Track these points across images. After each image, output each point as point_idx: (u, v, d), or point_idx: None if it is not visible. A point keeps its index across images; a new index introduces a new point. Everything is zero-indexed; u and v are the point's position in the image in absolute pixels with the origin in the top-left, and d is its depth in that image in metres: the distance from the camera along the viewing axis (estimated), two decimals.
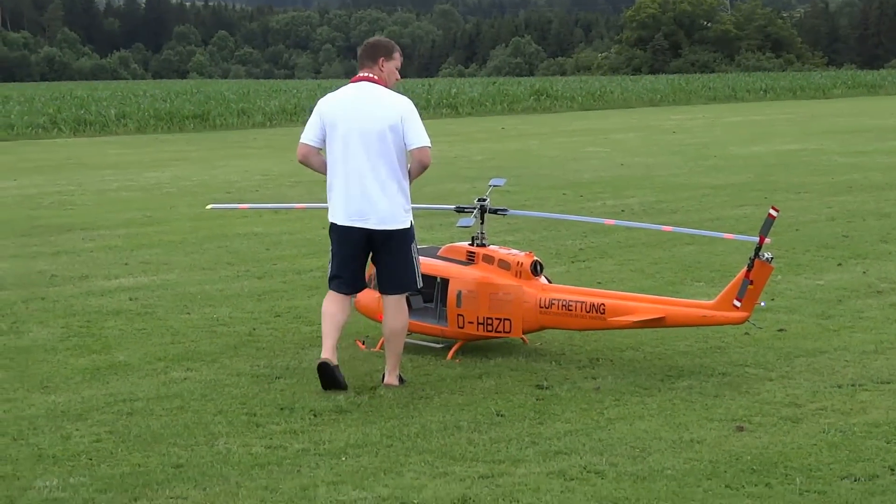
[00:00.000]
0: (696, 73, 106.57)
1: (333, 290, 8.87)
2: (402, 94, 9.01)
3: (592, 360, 9.50)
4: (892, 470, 6.59)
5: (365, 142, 8.65)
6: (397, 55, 8.98)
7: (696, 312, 9.08)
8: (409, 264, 8.75)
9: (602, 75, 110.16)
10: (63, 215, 19.89)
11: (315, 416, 8.02)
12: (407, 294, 9.25)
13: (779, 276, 12.22)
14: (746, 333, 9.99)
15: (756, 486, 6.43)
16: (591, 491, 6.43)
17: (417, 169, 8.98)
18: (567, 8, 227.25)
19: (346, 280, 8.86)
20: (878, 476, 6.50)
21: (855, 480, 6.44)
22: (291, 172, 27.63)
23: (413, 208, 9.38)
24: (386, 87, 8.80)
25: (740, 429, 7.44)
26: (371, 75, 8.77)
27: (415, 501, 6.30)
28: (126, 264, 14.52)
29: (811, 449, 7.03)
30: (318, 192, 23.00)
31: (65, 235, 17.44)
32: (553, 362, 9.52)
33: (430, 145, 8.80)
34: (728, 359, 9.44)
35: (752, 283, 8.62)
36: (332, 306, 8.75)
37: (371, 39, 9.32)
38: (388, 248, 8.71)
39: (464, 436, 7.53)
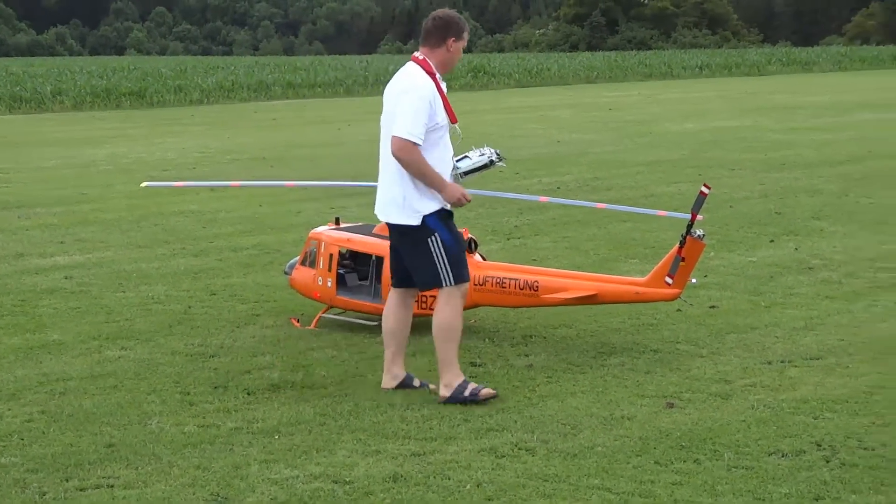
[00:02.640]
0: (632, 49, 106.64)
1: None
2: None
3: (525, 338, 9.50)
4: (819, 445, 6.64)
5: (383, 128, 7.94)
6: (466, 34, 8.06)
7: (629, 289, 9.07)
8: (426, 259, 7.75)
9: (539, 52, 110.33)
10: None
11: (248, 394, 8.02)
12: (422, 285, 8.38)
13: (711, 253, 12.38)
14: (678, 310, 10.05)
15: (685, 462, 6.48)
16: (522, 468, 6.44)
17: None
18: None
19: (392, 270, 8.33)
20: (804, 451, 6.56)
21: (782, 456, 6.50)
22: (228, 149, 27.60)
23: (346, 186, 9.34)
24: (429, 70, 7.79)
25: (670, 405, 7.50)
26: (418, 55, 7.90)
27: (347, 479, 6.30)
28: (62, 243, 14.43)
29: (739, 425, 7.09)
30: (255, 168, 23.16)
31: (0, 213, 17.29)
32: (487, 339, 9.51)
33: (401, 135, 7.56)
34: (660, 335, 9.50)
35: (683, 259, 8.58)
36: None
37: (441, 13, 8.13)
38: (400, 241, 8.07)
39: (396, 413, 7.54)
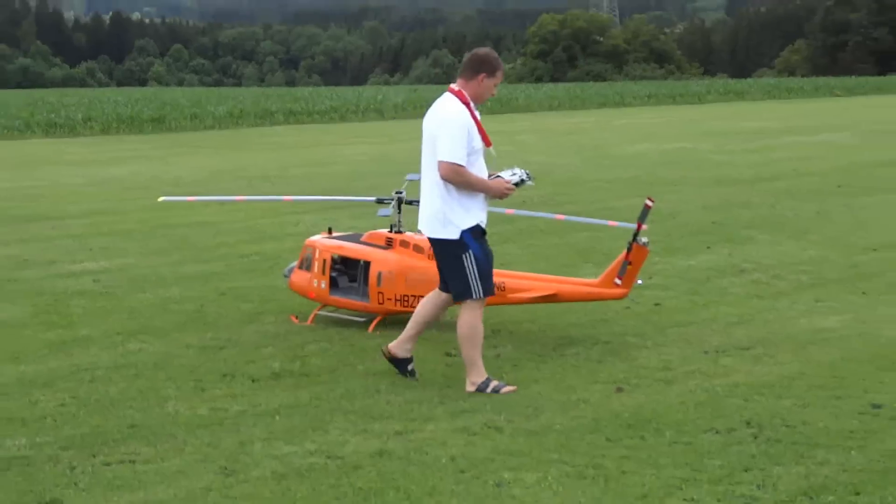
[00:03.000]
0: (590, 81, 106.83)
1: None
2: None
3: (494, 331, 9.41)
4: (748, 423, 6.67)
5: (424, 151, 7.88)
6: (500, 73, 7.93)
7: (584, 290, 9.07)
8: (458, 273, 7.67)
9: (509, 84, 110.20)
10: (33, 207, 19.50)
11: (253, 381, 8.00)
12: (456, 295, 8.12)
13: (656, 258, 12.31)
14: (627, 307, 10.09)
15: (632, 438, 6.48)
16: (491, 444, 6.46)
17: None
18: (479, 24, 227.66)
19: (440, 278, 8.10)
20: (735, 429, 6.58)
21: (716, 433, 6.51)
22: (236, 168, 27.44)
23: (338, 200, 9.27)
24: (464, 99, 7.73)
25: (619, 390, 7.51)
26: (455, 87, 7.83)
27: (338, 455, 6.28)
28: (90, 250, 14.30)
29: (680, 407, 7.11)
30: (259, 185, 23.09)
31: (34, 224, 17.15)
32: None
33: (447, 160, 7.53)
34: (611, 329, 9.51)
35: (630, 263, 8.58)
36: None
37: (480, 52, 8.10)
38: (437, 254, 7.97)
39: (382, 398, 7.53)
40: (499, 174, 7.99)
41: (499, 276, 9.33)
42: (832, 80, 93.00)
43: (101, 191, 22.46)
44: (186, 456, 6.31)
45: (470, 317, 7.73)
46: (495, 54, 8.00)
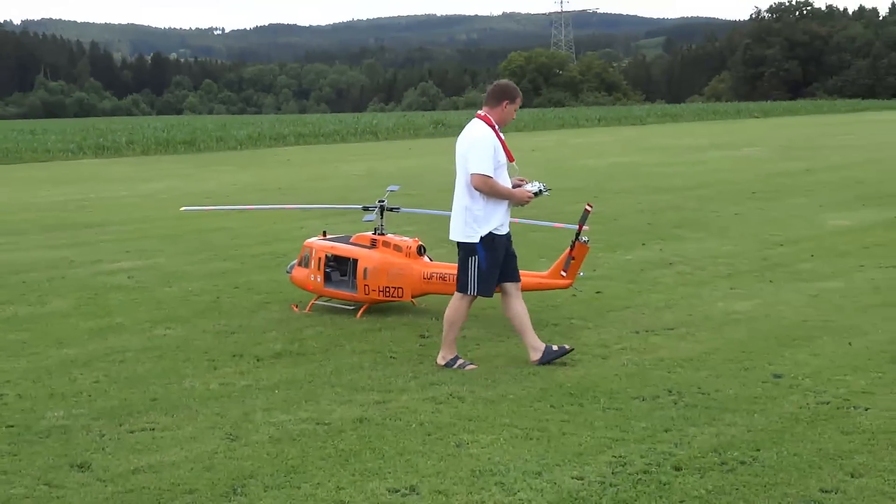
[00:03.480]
0: (551, 107, 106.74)
1: None
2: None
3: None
4: (670, 392, 6.65)
5: (458, 169, 7.81)
6: (519, 100, 7.97)
7: (536, 280, 8.98)
8: (464, 271, 7.66)
9: None
10: (83, 216, 19.30)
11: (258, 360, 7.93)
12: (458, 286, 8.02)
13: (600, 254, 12.35)
14: (573, 295, 10.07)
15: (572, 405, 6.46)
16: (454, 411, 6.46)
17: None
18: (459, 62, 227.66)
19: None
20: (659, 396, 6.55)
21: (643, 400, 6.48)
22: (255, 183, 27.26)
23: (328, 208, 9.12)
24: (490, 123, 7.77)
25: (563, 363, 7.46)
26: (481, 113, 7.87)
27: (326, 421, 6.25)
28: (127, 252, 14.11)
29: (613, 378, 7.06)
30: (273, 196, 22.96)
31: (83, 231, 16.95)
32: (433, 318, 9.39)
33: (478, 171, 7.51)
34: (559, 313, 9.46)
35: (573, 258, 8.52)
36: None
37: (502, 83, 8.15)
38: (459, 252, 7.77)
39: (365, 373, 7.50)
40: (522, 182, 7.92)
41: (454, 269, 9.05)
42: (751, 105, 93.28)
43: (141, 202, 22.18)
44: (198, 424, 6.27)
45: (459, 305, 7.72)
46: (514, 85, 8.10)
